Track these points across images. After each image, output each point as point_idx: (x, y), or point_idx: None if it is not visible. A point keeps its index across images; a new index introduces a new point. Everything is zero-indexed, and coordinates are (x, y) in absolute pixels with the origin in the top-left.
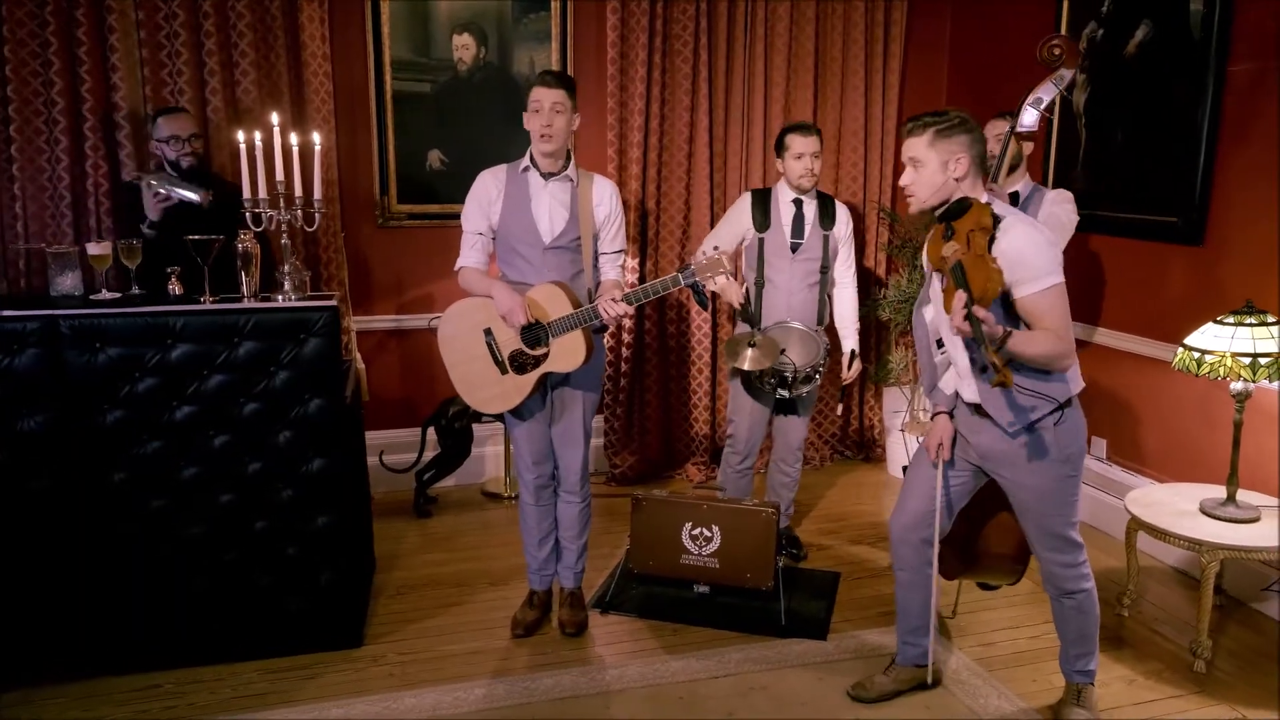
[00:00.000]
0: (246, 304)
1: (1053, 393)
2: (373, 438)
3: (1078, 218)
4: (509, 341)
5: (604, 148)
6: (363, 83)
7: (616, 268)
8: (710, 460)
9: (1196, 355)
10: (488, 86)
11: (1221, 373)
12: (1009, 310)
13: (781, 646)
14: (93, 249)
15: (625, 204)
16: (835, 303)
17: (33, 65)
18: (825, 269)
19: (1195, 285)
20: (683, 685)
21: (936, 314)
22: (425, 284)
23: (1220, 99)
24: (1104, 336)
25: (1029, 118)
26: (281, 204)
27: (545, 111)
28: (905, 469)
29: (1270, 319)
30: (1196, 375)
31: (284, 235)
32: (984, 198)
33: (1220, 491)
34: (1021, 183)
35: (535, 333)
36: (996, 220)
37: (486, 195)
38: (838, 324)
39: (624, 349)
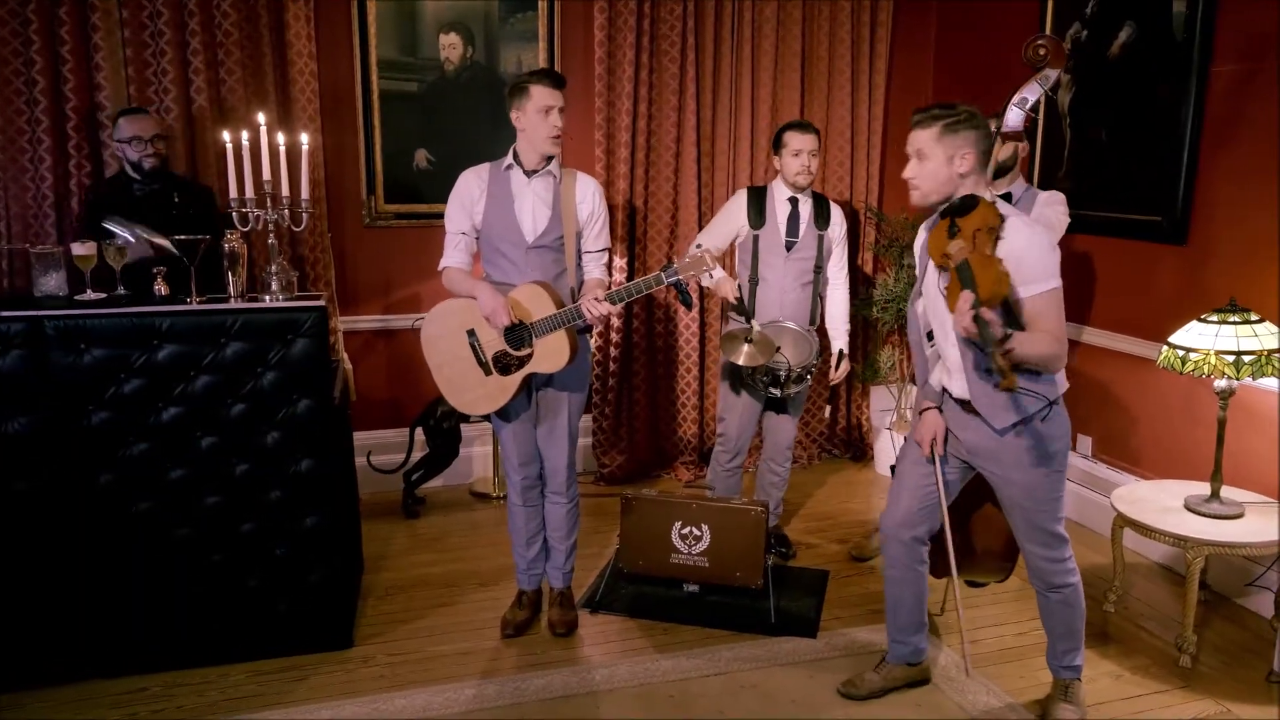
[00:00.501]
0: (234, 304)
1: (1043, 391)
2: (360, 438)
3: (1069, 220)
4: (492, 342)
5: (592, 147)
6: (349, 82)
7: (600, 266)
8: (699, 460)
9: (1181, 353)
10: (475, 86)
11: (1206, 370)
12: (1007, 311)
13: (771, 644)
14: (77, 249)
15: (613, 203)
16: (828, 303)
17: (14, 64)
18: (819, 268)
19: (1179, 284)
20: (673, 684)
21: (929, 307)
22: (412, 284)
23: (1203, 99)
24: (1089, 335)
25: (1014, 118)
26: (269, 204)
27: (555, 113)
28: (893, 468)
29: (1254, 316)
30: (1181, 373)
31: (271, 235)
32: (988, 195)
33: (1205, 488)
34: (1015, 184)
35: (519, 333)
36: (1002, 220)
37: (469, 194)
38: (828, 324)
39: (612, 349)
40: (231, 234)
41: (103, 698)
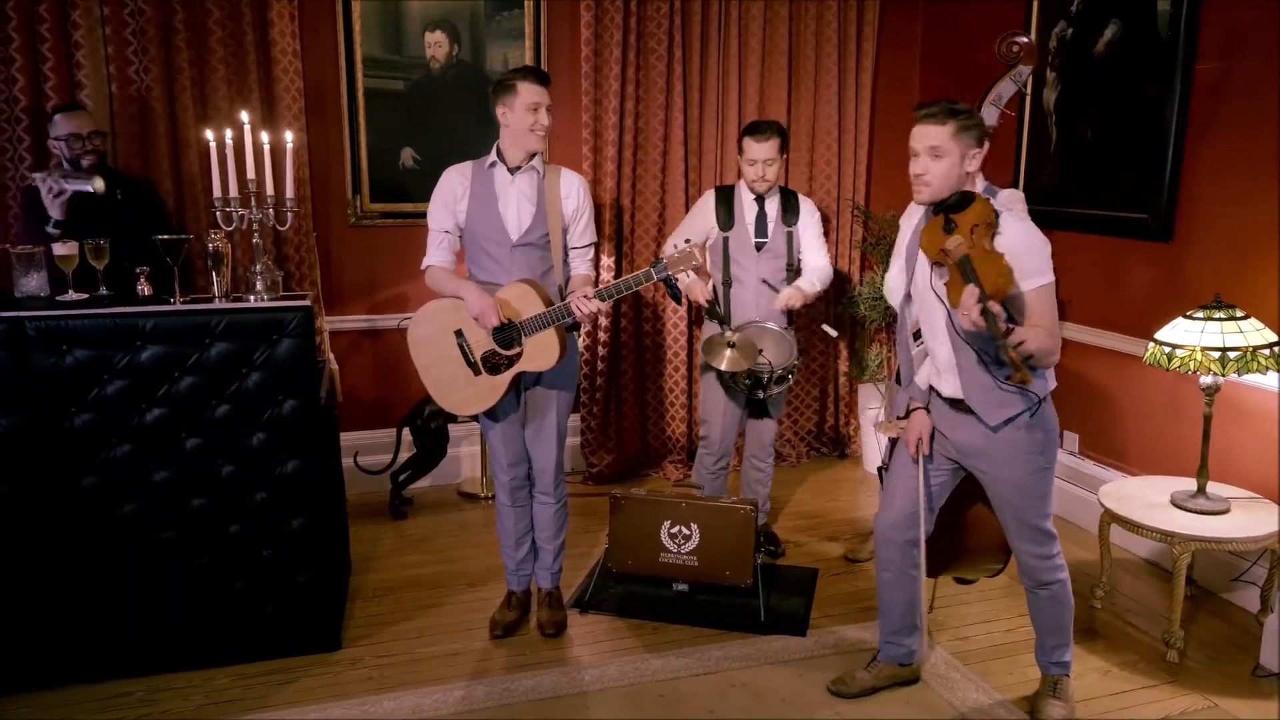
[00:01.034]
0: (218, 304)
1: (1034, 388)
2: (347, 439)
3: (1029, 220)
4: (481, 342)
5: (579, 145)
6: (334, 81)
7: (587, 262)
8: (687, 458)
9: (1167, 350)
10: (460, 84)
11: (1191, 367)
12: (1004, 307)
13: (761, 643)
14: (58, 249)
15: (600, 202)
16: (804, 267)
17: None
18: (791, 266)
19: (1165, 280)
20: (663, 683)
21: (918, 304)
22: (399, 283)
23: (1188, 97)
24: (1076, 332)
25: (990, 116)
26: (253, 203)
27: (543, 110)
28: (880, 469)
29: (1239, 313)
30: (1167, 369)
31: (255, 234)
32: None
33: (1191, 484)
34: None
35: (508, 333)
36: (997, 216)
37: (452, 193)
38: (803, 271)
39: (600, 347)
40: (215, 233)
41: (87, 702)
